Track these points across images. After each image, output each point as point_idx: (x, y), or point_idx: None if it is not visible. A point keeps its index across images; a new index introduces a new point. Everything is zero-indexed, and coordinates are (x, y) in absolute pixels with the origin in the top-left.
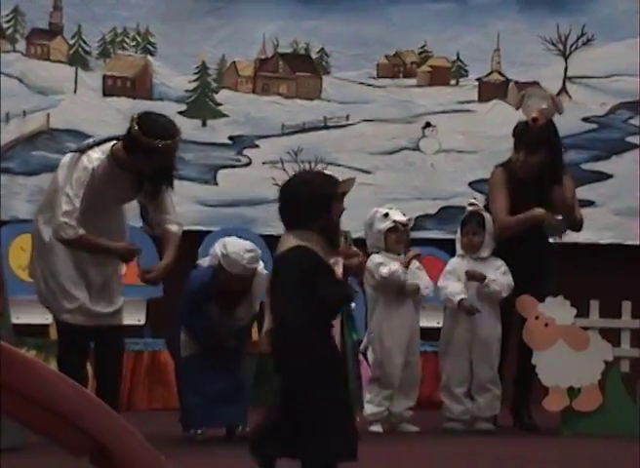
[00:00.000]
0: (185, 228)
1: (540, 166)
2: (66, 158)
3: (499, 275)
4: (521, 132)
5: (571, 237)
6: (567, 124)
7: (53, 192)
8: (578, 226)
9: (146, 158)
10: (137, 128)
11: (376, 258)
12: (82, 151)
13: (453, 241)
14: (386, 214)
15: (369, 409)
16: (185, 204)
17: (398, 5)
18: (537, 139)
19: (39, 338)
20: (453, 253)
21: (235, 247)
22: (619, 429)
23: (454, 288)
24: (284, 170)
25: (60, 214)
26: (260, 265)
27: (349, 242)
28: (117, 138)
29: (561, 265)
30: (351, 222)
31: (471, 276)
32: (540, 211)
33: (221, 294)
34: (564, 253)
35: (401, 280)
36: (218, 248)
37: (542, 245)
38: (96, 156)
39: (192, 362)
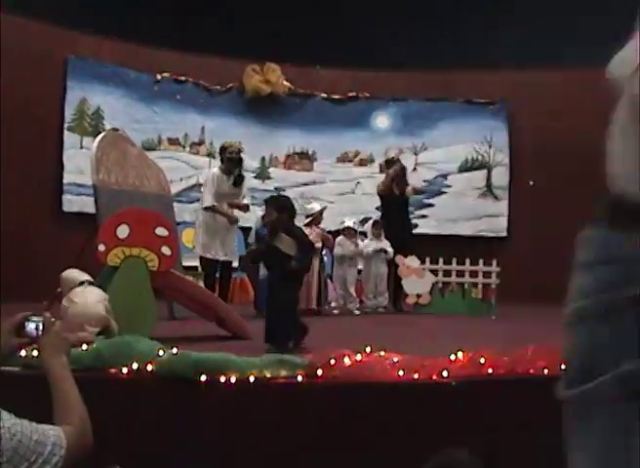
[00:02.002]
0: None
1: (397, 172)
2: (207, 174)
3: (388, 247)
4: (388, 161)
5: (418, 230)
6: (416, 183)
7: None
8: (418, 193)
9: (227, 161)
10: (221, 151)
11: (337, 239)
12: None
13: (365, 232)
14: (343, 221)
15: (332, 304)
16: (253, 216)
17: (346, 131)
18: (393, 162)
19: (193, 271)
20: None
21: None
22: (437, 311)
23: (368, 249)
24: (297, 202)
25: (204, 198)
26: None
27: (324, 232)
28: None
29: (415, 242)
30: (325, 223)
31: (380, 251)
32: (395, 168)
33: None
34: (416, 237)
35: (341, 250)
36: (257, 213)
37: (407, 231)
38: (215, 169)
39: (263, 282)
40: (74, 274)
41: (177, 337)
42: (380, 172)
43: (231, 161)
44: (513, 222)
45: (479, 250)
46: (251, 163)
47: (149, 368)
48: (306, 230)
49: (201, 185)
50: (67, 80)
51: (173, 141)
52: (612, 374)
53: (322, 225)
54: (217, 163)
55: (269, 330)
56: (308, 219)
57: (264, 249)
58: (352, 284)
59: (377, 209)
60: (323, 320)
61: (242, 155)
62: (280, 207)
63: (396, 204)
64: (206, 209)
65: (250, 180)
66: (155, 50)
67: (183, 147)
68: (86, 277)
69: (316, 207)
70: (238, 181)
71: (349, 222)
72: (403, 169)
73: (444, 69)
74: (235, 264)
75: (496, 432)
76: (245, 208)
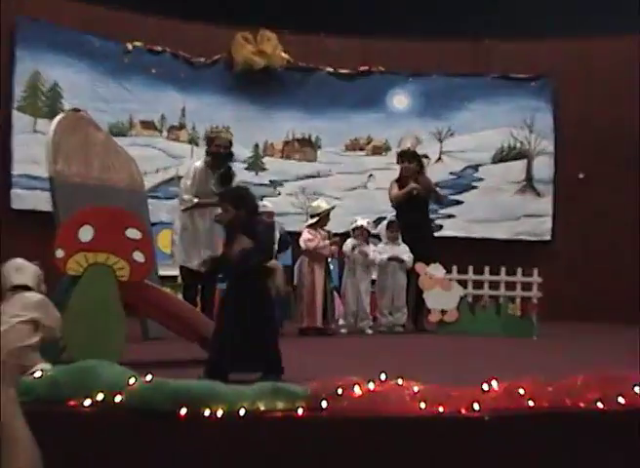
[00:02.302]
0: None
1: (415, 170)
2: (190, 168)
3: (406, 253)
4: (403, 153)
5: (442, 233)
6: (441, 175)
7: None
8: (440, 202)
9: (210, 144)
10: (206, 142)
11: (347, 242)
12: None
13: (379, 236)
14: (355, 221)
15: (340, 321)
16: None
17: (356, 114)
18: (411, 156)
19: (171, 282)
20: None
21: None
22: (466, 331)
23: (382, 256)
24: (297, 198)
25: (183, 197)
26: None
27: (331, 236)
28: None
29: (438, 247)
30: (331, 225)
31: (396, 260)
32: (413, 185)
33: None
34: (439, 241)
35: (349, 251)
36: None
37: (429, 237)
38: (197, 163)
39: None
40: (10, 271)
41: (151, 362)
42: (398, 163)
43: (218, 157)
44: (558, 223)
45: (517, 256)
46: (242, 151)
47: (118, 399)
48: (308, 233)
49: (181, 179)
50: (16, 48)
51: (147, 125)
52: None
53: (327, 227)
54: (200, 152)
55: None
56: (313, 220)
57: (219, 256)
58: (364, 297)
59: (393, 207)
60: (329, 340)
61: (232, 150)
62: (237, 201)
63: (415, 202)
64: (185, 211)
65: (240, 174)
66: (126, 13)
67: (160, 132)
68: (25, 277)
69: (323, 205)
70: (225, 180)
71: (362, 222)
72: (420, 168)
73: (475, 38)
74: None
75: None
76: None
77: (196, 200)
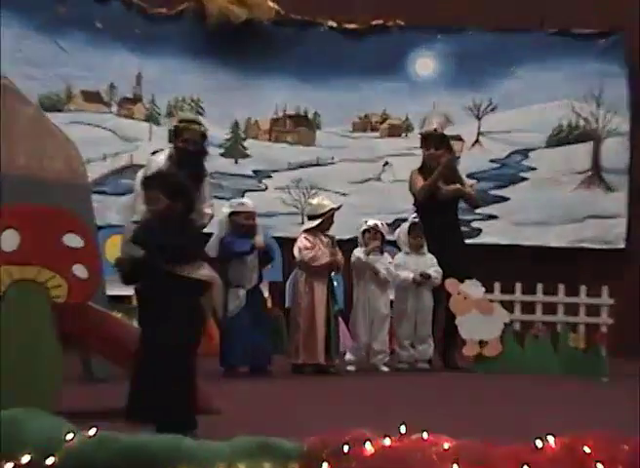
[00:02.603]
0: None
1: (441, 157)
2: (140, 172)
3: (430, 268)
4: (427, 136)
5: (481, 239)
6: (479, 163)
7: (134, 200)
8: (475, 202)
9: (177, 136)
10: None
11: (355, 252)
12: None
13: (397, 242)
14: (365, 222)
15: (347, 355)
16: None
17: (367, 83)
18: (439, 141)
19: (124, 305)
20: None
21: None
22: (512, 368)
23: (405, 275)
24: (289, 193)
25: (138, 202)
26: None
27: (334, 244)
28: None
29: (474, 258)
30: (335, 229)
31: (423, 276)
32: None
33: (244, 232)
34: (477, 249)
35: (362, 263)
36: (223, 210)
37: (459, 243)
38: (160, 158)
39: (233, 321)
40: None
41: (96, 411)
42: (421, 148)
43: (185, 153)
44: (635, 226)
45: (581, 270)
46: (216, 132)
47: (50, 461)
48: (306, 240)
49: (136, 168)
50: None
51: (90, 97)
52: None
53: (331, 232)
54: (162, 133)
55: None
56: (312, 224)
57: (142, 258)
58: (380, 324)
59: (415, 206)
60: (332, 381)
61: (205, 144)
62: (172, 190)
63: (442, 201)
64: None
65: (215, 161)
66: None
67: (108, 106)
68: None
69: (325, 203)
70: (195, 180)
71: (371, 223)
72: (452, 160)
73: None
74: None
75: None
76: (205, 222)
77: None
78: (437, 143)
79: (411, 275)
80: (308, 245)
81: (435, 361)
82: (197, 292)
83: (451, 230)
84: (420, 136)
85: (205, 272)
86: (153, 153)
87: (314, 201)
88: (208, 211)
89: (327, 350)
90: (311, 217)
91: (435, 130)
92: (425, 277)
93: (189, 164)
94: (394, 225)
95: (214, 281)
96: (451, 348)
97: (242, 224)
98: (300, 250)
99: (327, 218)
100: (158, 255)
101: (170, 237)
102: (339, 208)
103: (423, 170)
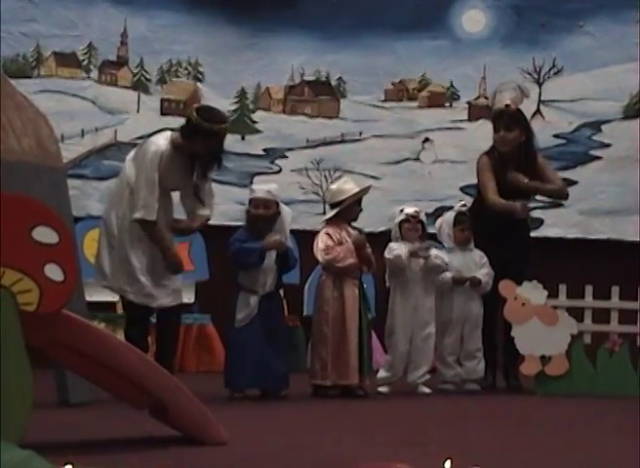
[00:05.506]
0: (226, 223)
1: (517, 142)
2: (130, 154)
3: (480, 269)
4: (498, 115)
5: (542, 232)
6: (540, 139)
7: (122, 189)
8: (563, 195)
9: (204, 140)
10: (196, 115)
11: (390, 245)
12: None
13: (437, 236)
14: (402, 210)
15: (380, 373)
16: (227, 204)
17: (402, 41)
18: (511, 120)
19: (108, 313)
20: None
21: (257, 185)
22: (582, 390)
23: (444, 276)
24: (308, 176)
25: (142, 196)
26: (283, 206)
27: (363, 236)
28: (171, 130)
29: (534, 254)
30: (364, 219)
31: (471, 282)
32: (517, 206)
33: (254, 226)
34: (538, 244)
35: (403, 262)
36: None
37: (520, 237)
38: (161, 141)
39: (242, 333)
40: None
41: (73, 442)
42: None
43: (210, 137)
44: None
45: None
46: (219, 103)
47: None
48: (327, 237)
49: (122, 147)
50: None
51: (65, 60)
52: None
53: (358, 222)
54: (153, 103)
55: None
56: (332, 213)
57: None
58: (420, 335)
59: (462, 191)
60: (362, 406)
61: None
62: None
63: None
64: (138, 222)
65: None
66: None
67: (87, 72)
68: None
69: (348, 187)
70: (206, 170)
71: (411, 210)
72: (527, 139)
73: None
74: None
75: None
76: (194, 227)
77: (153, 219)
78: (509, 123)
79: (449, 275)
80: (330, 243)
81: (486, 380)
82: None
83: (510, 220)
84: (491, 112)
85: None
86: (151, 135)
87: (334, 186)
88: (203, 212)
89: (360, 369)
90: (333, 206)
91: (508, 105)
92: (475, 283)
93: (208, 150)
94: (436, 215)
95: None
96: (507, 366)
97: (253, 215)
98: (320, 250)
99: (351, 205)
100: None
101: None
102: (365, 191)
103: (491, 154)
